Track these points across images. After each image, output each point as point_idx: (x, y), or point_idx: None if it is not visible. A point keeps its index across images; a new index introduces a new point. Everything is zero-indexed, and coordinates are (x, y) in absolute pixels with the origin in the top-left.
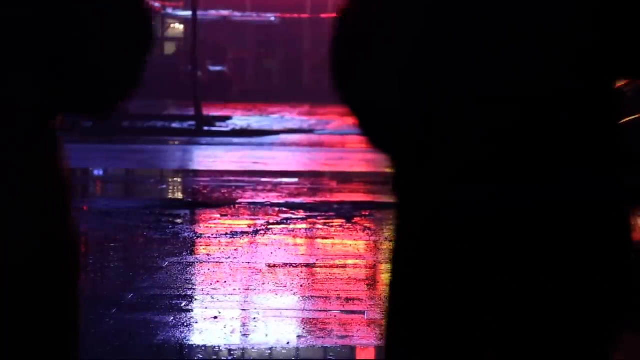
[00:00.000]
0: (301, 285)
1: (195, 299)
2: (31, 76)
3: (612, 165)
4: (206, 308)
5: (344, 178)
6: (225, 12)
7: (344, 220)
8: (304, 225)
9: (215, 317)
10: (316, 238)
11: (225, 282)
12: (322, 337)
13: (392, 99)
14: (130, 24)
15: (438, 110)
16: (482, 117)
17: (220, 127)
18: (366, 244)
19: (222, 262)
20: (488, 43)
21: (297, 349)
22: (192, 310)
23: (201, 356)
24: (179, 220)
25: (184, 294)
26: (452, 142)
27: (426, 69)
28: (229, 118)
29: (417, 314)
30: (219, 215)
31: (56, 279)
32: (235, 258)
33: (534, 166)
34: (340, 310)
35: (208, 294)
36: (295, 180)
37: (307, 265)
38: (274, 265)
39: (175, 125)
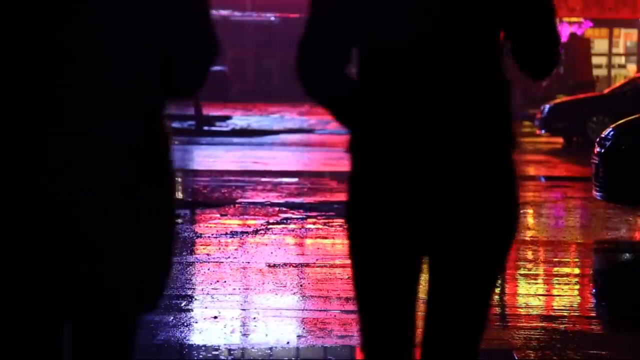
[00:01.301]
0: (301, 285)
1: (195, 299)
2: (153, 73)
3: (507, 137)
4: (206, 308)
5: (344, 178)
6: (225, 12)
7: (344, 220)
8: (304, 225)
9: (215, 317)
10: (316, 238)
11: (225, 282)
12: (322, 337)
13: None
14: (205, 41)
15: (387, 81)
16: (415, 82)
17: (220, 126)
18: None
19: (222, 262)
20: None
21: (297, 348)
22: (192, 310)
23: (201, 356)
24: (179, 220)
25: (184, 293)
26: (392, 106)
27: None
28: (228, 118)
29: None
30: (219, 215)
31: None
32: (235, 258)
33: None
34: (340, 310)
35: (208, 293)
36: (295, 180)
37: (307, 265)
38: (274, 265)
39: (175, 125)
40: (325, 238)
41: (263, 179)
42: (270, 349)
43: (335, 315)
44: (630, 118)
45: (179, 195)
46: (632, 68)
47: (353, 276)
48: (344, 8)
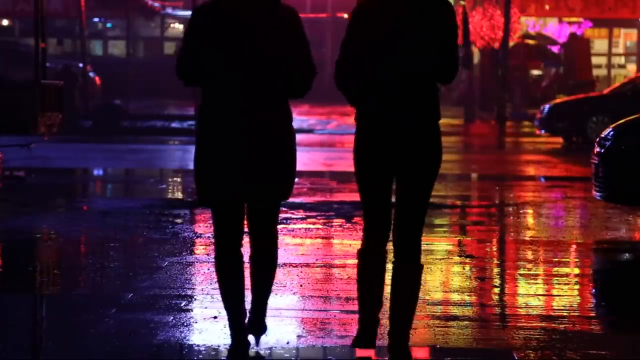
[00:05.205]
0: (301, 285)
1: (195, 299)
2: (283, 80)
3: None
4: (206, 308)
5: (344, 178)
6: None
7: (343, 220)
8: (304, 225)
9: (215, 317)
10: (316, 238)
11: None
12: (322, 337)
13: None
14: (308, 63)
15: (368, 80)
16: (382, 82)
17: None
18: None
19: None
20: (383, 44)
21: (297, 348)
22: (192, 310)
23: (201, 356)
24: (179, 220)
25: (183, 293)
26: (370, 96)
27: (361, 59)
28: None
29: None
30: None
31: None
32: None
33: (407, 107)
34: (340, 310)
35: (208, 293)
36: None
37: (307, 265)
38: None
39: (175, 125)
40: (325, 238)
41: None
42: (270, 349)
43: (335, 315)
44: (630, 118)
45: (179, 195)
46: (632, 68)
47: (358, 188)
48: (361, 45)
